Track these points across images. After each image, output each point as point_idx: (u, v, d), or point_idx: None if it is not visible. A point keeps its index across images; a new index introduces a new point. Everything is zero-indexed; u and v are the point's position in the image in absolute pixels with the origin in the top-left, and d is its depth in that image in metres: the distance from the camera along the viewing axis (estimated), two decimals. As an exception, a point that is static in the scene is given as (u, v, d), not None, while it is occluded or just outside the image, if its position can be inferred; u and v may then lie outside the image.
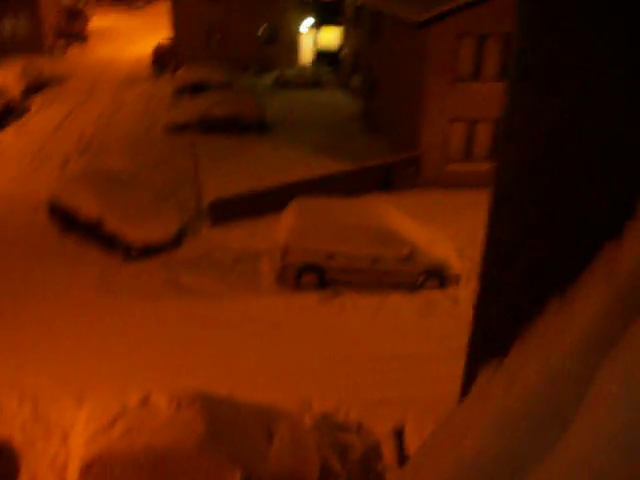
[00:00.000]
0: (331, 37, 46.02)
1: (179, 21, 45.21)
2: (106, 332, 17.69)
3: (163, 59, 46.36)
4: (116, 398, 13.09)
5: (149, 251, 21.15)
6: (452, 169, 26.57)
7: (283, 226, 19.92)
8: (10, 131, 33.97)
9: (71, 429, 14.01)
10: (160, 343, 17.21)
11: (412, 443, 13.03)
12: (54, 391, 15.47)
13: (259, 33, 45.57)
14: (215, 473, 11.83)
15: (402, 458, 13.16)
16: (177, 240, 21.90)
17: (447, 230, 22.41)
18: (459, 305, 18.63)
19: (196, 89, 37.87)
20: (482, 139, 26.19)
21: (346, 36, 43.34)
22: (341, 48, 44.57)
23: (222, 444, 12.05)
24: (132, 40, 60.49)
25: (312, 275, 19.38)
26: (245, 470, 11.86)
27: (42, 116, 36.68)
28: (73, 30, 59.02)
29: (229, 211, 23.33)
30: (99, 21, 71.71)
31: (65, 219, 22.70)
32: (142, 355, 16.75)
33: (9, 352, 16.94)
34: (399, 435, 13.73)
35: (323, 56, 46.10)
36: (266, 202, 23.72)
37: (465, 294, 18.89)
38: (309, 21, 45.40)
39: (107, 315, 18.43)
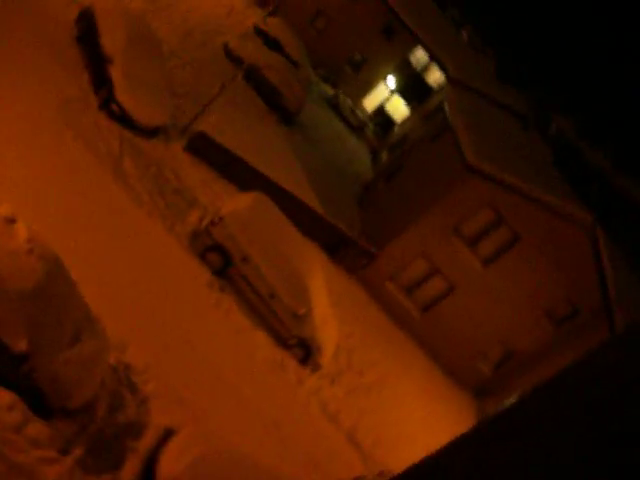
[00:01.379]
0: (400, 107, 45.62)
1: None
2: (38, 149, 16.94)
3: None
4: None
5: (126, 120, 20.48)
6: (390, 290, 26.80)
7: (233, 203, 19.83)
8: None
9: None
10: (72, 194, 16.64)
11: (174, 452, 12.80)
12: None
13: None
14: (8, 326, 11.30)
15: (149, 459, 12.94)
16: (151, 132, 21.29)
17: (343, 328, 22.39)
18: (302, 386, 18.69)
19: (271, 42, 36.79)
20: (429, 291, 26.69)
21: (411, 115, 43.65)
22: (400, 124, 44.58)
23: (36, 310, 11.63)
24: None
25: (220, 259, 19.18)
26: (31, 347, 11.34)
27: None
28: None
29: (208, 151, 22.93)
30: None
31: (86, 32, 21.56)
32: (46, 187, 16.05)
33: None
34: (165, 436, 13.49)
35: (381, 117, 46.06)
36: (240, 172, 23.37)
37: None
38: (396, 78, 45.19)
39: (50, 136, 17.66)
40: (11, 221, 12.27)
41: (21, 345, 11.27)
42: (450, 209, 25.58)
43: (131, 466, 12.56)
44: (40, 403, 11.73)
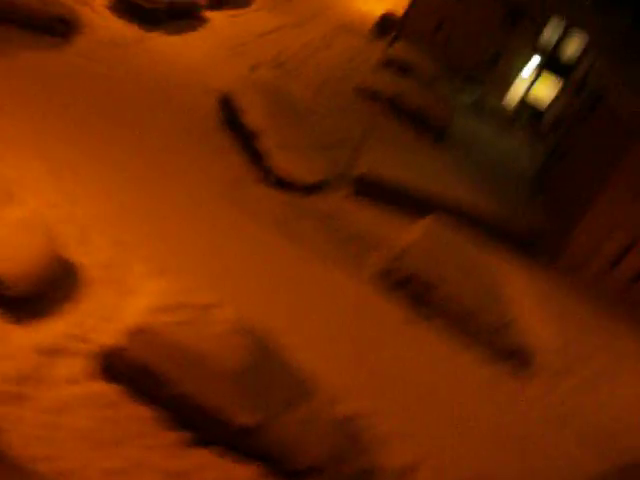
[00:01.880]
0: (545, 91, 44.53)
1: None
2: (215, 232, 18.31)
3: (386, 26, 46.31)
4: (189, 290, 13.55)
5: (286, 185, 21.51)
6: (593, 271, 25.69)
7: (409, 234, 19.91)
8: (226, 14, 34.90)
9: (139, 292, 14.54)
10: (251, 266, 17.66)
11: None
12: (141, 253, 16.10)
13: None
14: (233, 404, 12.12)
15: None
16: (314, 189, 22.18)
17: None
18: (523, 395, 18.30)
19: (402, 69, 37.85)
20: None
21: (559, 95, 42.24)
22: (549, 107, 43.31)
23: (253, 384, 12.34)
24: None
25: (408, 288, 19.27)
26: (258, 419, 12.11)
27: (259, 15, 37.42)
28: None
29: (373, 190, 23.35)
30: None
31: (229, 115, 23.36)
32: (234, 265, 17.34)
33: (121, 199, 17.70)
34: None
35: (527, 108, 44.74)
36: (408, 201, 23.62)
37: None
38: (535, 61, 43.92)
39: (220, 217, 19.05)
40: (212, 306, 13.21)
41: (246, 419, 12.01)
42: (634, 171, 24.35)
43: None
44: (279, 469, 12.36)
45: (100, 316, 13.94)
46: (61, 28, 24.01)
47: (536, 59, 43.85)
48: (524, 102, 44.55)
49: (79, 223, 16.04)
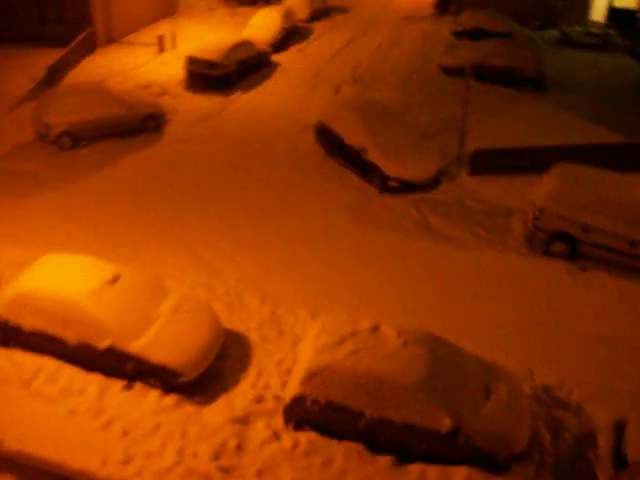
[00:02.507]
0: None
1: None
2: (349, 256, 18.43)
3: (446, 2, 45.79)
4: (348, 320, 13.67)
5: (405, 187, 21.44)
6: None
7: (541, 188, 19.24)
8: (292, 52, 35.64)
9: (302, 338, 14.88)
10: (400, 278, 17.62)
11: (632, 442, 12.27)
12: (293, 301, 16.50)
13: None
14: (426, 413, 12.03)
15: (618, 455, 12.47)
16: (433, 181, 21.99)
17: None
18: None
19: (475, 35, 37.20)
20: None
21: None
22: (638, 9, 41.14)
23: (440, 388, 12.20)
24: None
25: (563, 244, 18.59)
26: (455, 420, 11.94)
27: (322, 42, 37.99)
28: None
29: (489, 163, 22.87)
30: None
31: (330, 142, 23.64)
32: (380, 285, 17.29)
33: (259, 257, 18.24)
34: (619, 429, 13.00)
35: (617, 16, 42.63)
36: (527, 161, 22.95)
37: None
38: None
39: (353, 240, 19.16)
40: (375, 328, 13.26)
41: (446, 423, 11.90)
42: None
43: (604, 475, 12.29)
44: (491, 462, 12.12)
45: (276, 372, 14.33)
46: (152, 123, 25.33)
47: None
48: (612, 12, 42.40)
49: (228, 293, 16.67)
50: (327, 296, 16.79)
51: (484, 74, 30.35)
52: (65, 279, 14.37)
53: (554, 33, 41.47)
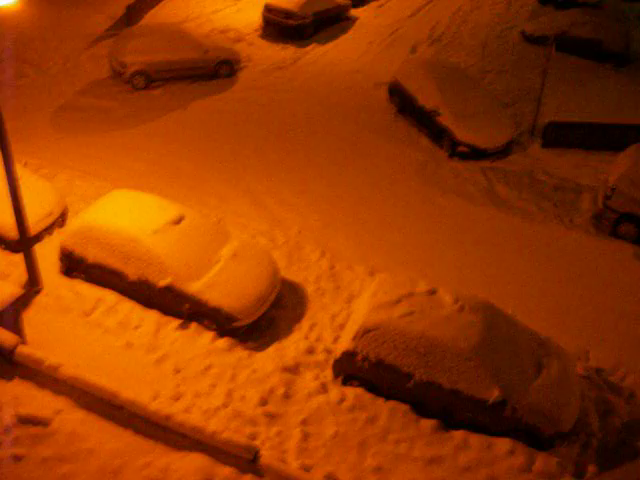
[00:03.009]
0: None
1: None
2: (413, 218, 18.36)
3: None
4: (406, 281, 13.67)
5: (475, 153, 21.10)
6: None
7: (615, 167, 18.73)
8: (371, 7, 35.02)
9: (358, 295, 14.94)
10: (462, 245, 17.50)
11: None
12: (352, 257, 16.56)
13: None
14: (476, 382, 12.01)
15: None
16: (505, 150, 21.58)
17: None
18: None
19: (562, 3, 35.93)
20: None
21: None
22: None
23: (492, 358, 12.14)
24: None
25: (632, 226, 18.08)
26: (504, 391, 11.89)
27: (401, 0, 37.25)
28: None
29: (563, 136, 22.25)
30: None
31: (402, 102, 23.33)
32: (441, 250, 17.23)
33: (323, 210, 18.30)
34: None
35: None
36: (603, 138, 22.25)
37: None
38: None
39: (421, 203, 19.07)
40: (432, 292, 13.21)
41: (495, 394, 11.85)
42: None
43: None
44: (535, 438, 12.04)
45: (329, 325, 14.50)
46: (226, 70, 25.35)
47: None
48: None
49: (288, 243, 16.81)
50: (386, 255, 16.80)
51: (567, 45, 29.38)
52: (130, 216, 14.67)
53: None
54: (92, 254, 14.58)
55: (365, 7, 34.72)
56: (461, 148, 21.09)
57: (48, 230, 16.30)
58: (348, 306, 14.89)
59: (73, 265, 14.97)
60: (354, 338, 12.78)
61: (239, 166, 20.00)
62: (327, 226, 17.67)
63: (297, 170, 20.02)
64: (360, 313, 13.22)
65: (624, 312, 15.74)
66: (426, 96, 22.15)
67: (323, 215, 18.10)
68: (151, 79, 24.23)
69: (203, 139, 21.34)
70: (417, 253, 16.98)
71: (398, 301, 13.05)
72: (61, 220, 16.78)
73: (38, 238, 15.77)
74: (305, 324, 14.49)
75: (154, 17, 30.94)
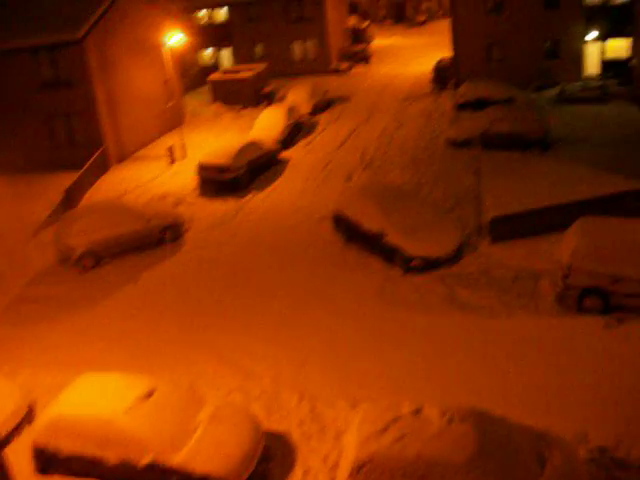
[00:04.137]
0: (619, 46, 43.21)
1: (459, 37, 45.33)
2: (382, 341, 18.19)
3: (443, 76, 46.79)
4: (389, 406, 13.37)
5: (429, 265, 21.35)
6: None
7: (566, 246, 19.07)
8: (300, 147, 36.30)
9: (345, 430, 14.55)
10: (436, 356, 17.31)
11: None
12: (331, 393, 16.22)
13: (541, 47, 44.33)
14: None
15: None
16: (456, 255, 21.91)
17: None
18: None
19: (477, 105, 37.76)
20: None
21: (637, 44, 40.62)
22: (631, 58, 41.77)
23: (492, 463, 11.81)
24: (412, 58, 61.81)
25: (596, 299, 18.28)
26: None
27: (328, 133, 38.69)
28: (357, 51, 61.82)
29: (509, 228, 22.78)
30: (380, 41, 74.31)
31: (348, 230, 23.75)
32: (416, 366, 16.97)
33: (291, 353, 18.05)
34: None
35: (610, 67, 43.33)
36: (548, 220, 22.84)
37: None
38: (593, 33, 43.14)
39: (384, 325, 18.94)
40: (417, 411, 12.95)
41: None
42: None
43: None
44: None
45: (322, 468, 14.00)
46: (171, 235, 25.70)
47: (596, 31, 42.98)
48: (605, 64, 43.27)
49: (264, 394, 16.45)
50: (365, 383, 16.50)
51: (491, 142, 30.66)
52: (100, 399, 14.30)
53: (553, 92, 42.03)
54: (66, 446, 14.07)
55: (294, 147, 35.97)
56: (414, 262, 21.30)
57: (16, 430, 15.79)
58: (338, 444, 14.45)
59: (48, 462, 14.40)
60: (349, 477, 12.34)
61: (200, 326, 19.85)
62: (300, 367, 17.41)
63: (259, 318, 19.93)
64: (349, 449, 12.84)
65: (610, 384, 15.54)
66: (370, 220, 22.60)
67: (293, 357, 17.86)
68: (100, 257, 24.37)
69: (159, 306, 21.28)
70: (394, 374, 16.73)
71: (386, 428, 12.71)
72: (29, 417, 16.30)
73: (7, 440, 15.22)
74: (298, 471, 13.99)
75: (93, 196, 31.59)
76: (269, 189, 30.44)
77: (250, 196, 29.64)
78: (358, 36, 66.07)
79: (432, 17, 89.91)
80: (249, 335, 19.11)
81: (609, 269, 18.02)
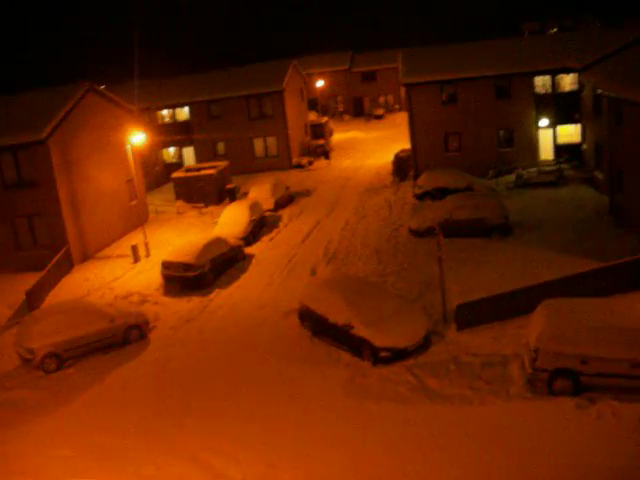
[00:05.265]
0: (570, 131, 45.02)
1: (416, 129, 46.73)
2: (354, 435, 17.82)
3: (403, 167, 47.91)
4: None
5: (397, 355, 21.25)
6: None
7: (532, 329, 19.21)
8: (264, 242, 36.51)
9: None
10: (406, 449, 16.95)
11: None
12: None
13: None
14: None
15: None
16: (424, 344, 21.90)
17: None
18: None
19: (436, 195, 38.61)
20: None
21: (586, 129, 42.27)
22: (581, 142, 43.40)
23: None
24: (372, 151, 63.34)
25: (566, 380, 18.31)
26: None
27: (291, 227, 39.06)
28: (317, 145, 63.21)
29: (475, 314, 22.95)
30: (340, 135, 76.18)
31: (315, 324, 23.66)
32: (388, 460, 16.61)
33: (261, 452, 17.57)
34: None
35: (563, 152, 44.95)
36: (512, 305, 23.09)
37: None
38: (545, 121, 44.93)
39: (355, 418, 18.61)
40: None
41: None
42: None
43: None
44: None
45: None
46: (136, 334, 25.45)
47: (547, 119, 44.85)
48: (558, 149, 45.00)
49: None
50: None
51: (452, 230, 31.16)
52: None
53: (510, 178, 43.22)
54: None
55: (258, 243, 36.17)
56: (382, 354, 21.15)
57: None
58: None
59: None
60: None
61: (168, 426, 19.29)
62: (270, 466, 16.89)
63: (227, 417, 19.47)
64: None
65: (589, 465, 15.38)
66: (335, 313, 22.56)
67: (264, 456, 17.34)
68: (62, 359, 23.86)
69: (125, 408, 20.69)
70: (366, 470, 16.28)
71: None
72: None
73: None
74: None
75: (56, 296, 31.25)
76: (234, 285, 30.39)
77: (215, 293, 29.52)
78: (318, 131, 67.66)
79: (390, 110, 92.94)
80: (218, 434, 18.60)
81: (577, 350, 18.14)
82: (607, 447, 16.02)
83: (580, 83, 42.42)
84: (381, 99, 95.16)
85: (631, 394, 17.77)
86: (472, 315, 22.96)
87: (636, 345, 17.71)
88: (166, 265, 30.62)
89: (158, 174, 56.47)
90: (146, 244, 36.31)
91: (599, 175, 38.08)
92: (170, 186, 50.25)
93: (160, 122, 60.02)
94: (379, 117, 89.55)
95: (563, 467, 15.53)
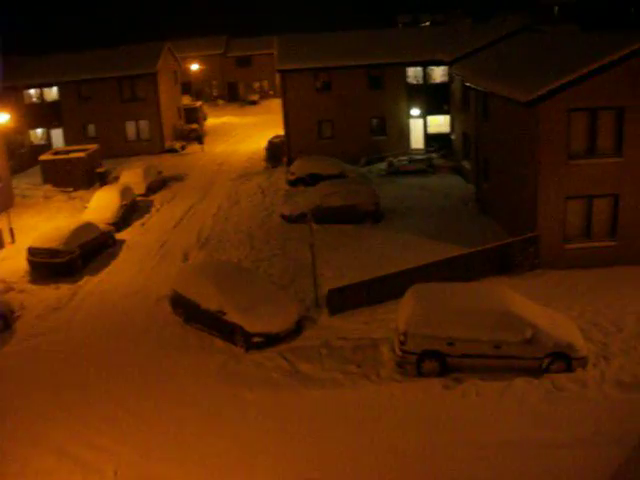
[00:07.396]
0: (440, 121, 46.63)
1: (290, 115, 47.02)
2: (227, 421, 17.80)
3: (276, 153, 48.08)
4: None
5: (270, 340, 21.38)
6: (571, 249, 25.78)
7: (401, 313, 19.80)
8: (135, 227, 35.72)
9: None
10: (278, 436, 17.02)
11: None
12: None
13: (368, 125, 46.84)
14: None
15: None
16: (297, 329, 22.12)
17: (570, 312, 21.70)
18: (587, 389, 17.76)
19: (309, 181, 39.00)
20: (600, 215, 25.50)
21: (455, 120, 43.86)
22: (451, 132, 44.99)
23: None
24: (246, 136, 63.15)
25: (433, 362, 19.03)
26: None
27: (163, 213, 38.42)
28: (190, 130, 62.32)
29: (346, 299, 23.42)
30: (214, 120, 75.45)
31: (187, 310, 23.41)
32: (260, 446, 16.64)
33: (135, 442, 17.21)
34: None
35: (434, 141, 46.50)
36: (383, 290, 23.73)
37: (593, 377, 18.16)
38: (416, 111, 46.27)
39: (228, 404, 18.58)
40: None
41: None
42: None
43: None
44: None
45: None
46: (1, 324, 24.12)
47: (418, 109, 46.16)
48: (428, 138, 46.53)
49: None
50: (209, 465, 15.98)
51: (325, 216, 31.59)
52: None
53: (382, 166, 44.26)
54: None
55: (129, 228, 35.36)
56: (255, 339, 21.23)
57: None
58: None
59: None
60: None
61: (37, 419, 18.52)
62: (143, 457, 16.58)
63: (99, 407, 18.95)
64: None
65: (458, 442, 15.99)
66: (207, 299, 22.40)
67: (137, 447, 16.99)
68: None
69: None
70: (239, 456, 16.20)
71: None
72: None
73: None
74: None
75: None
76: (105, 271, 29.59)
77: (85, 280, 28.62)
78: (191, 115, 66.71)
79: (264, 96, 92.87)
80: (89, 427, 18.07)
81: (443, 332, 18.88)
82: (473, 424, 16.79)
83: (450, 75, 43.89)
84: (256, 85, 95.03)
85: (494, 373, 18.67)
86: (343, 300, 23.41)
87: (499, 327, 18.66)
88: (33, 251, 29.38)
89: (24, 157, 53.93)
90: (11, 230, 34.68)
91: (466, 164, 39.66)
92: (37, 169, 48.10)
93: (27, 102, 57.17)
94: (254, 103, 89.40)
95: (427, 442, 16.17)
